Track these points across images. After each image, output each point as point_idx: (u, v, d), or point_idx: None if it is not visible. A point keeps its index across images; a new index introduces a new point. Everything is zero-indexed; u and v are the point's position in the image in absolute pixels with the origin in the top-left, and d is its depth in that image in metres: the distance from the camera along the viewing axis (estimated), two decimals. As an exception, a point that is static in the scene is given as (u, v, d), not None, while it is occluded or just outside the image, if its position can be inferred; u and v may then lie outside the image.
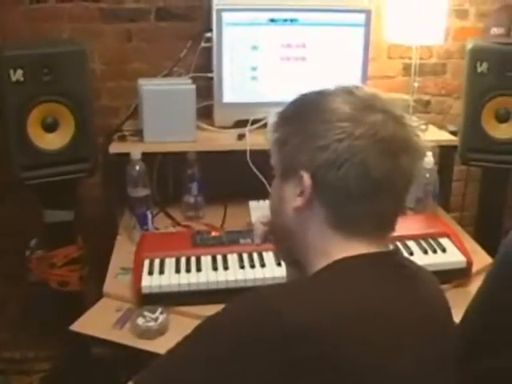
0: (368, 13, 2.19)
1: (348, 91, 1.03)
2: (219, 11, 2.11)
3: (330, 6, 2.19)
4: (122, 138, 2.19)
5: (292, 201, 1.03)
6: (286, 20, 2.16)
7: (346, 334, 0.86)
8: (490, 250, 2.13)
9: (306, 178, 0.99)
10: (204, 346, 0.89)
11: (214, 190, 2.28)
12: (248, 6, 2.14)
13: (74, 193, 2.30)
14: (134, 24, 2.41)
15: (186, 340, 0.92)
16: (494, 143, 2.30)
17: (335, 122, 0.98)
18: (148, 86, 2.13)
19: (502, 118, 2.29)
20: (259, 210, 2.19)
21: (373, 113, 0.99)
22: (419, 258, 1.90)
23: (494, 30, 2.33)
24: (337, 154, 0.96)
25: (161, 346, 1.56)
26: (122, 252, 2.04)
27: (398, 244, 1.97)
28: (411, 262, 1.10)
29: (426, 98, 2.66)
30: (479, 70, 2.24)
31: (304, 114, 1.04)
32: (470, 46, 2.27)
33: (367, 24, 2.20)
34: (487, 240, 2.26)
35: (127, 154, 2.13)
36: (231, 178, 2.30)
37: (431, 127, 2.45)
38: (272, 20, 2.15)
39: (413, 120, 1.04)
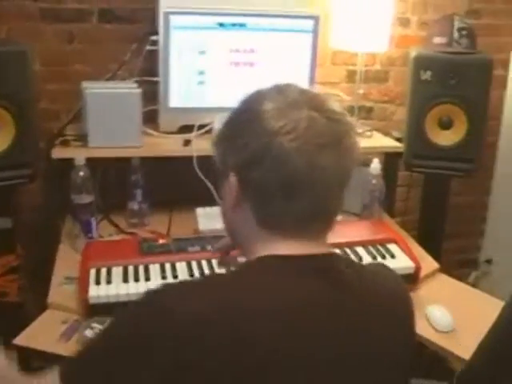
0: (316, 19, 2.19)
1: (278, 89, 1.02)
2: (167, 14, 2.06)
3: (279, 12, 2.18)
4: (65, 143, 2.12)
5: (228, 201, 1.06)
6: (234, 25, 2.14)
7: (232, 331, 0.88)
8: (434, 253, 2.18)
9: (233, 178, 1.02)
10: (106, 339, 0.97)
11: (159, 197, 2.24)
12: (196, 10, 2.10)
13: (12, 199, 2.21)
14: (76, 25, 2.34)
15: (98, 334, 1.02)
16: (437, 150, 2.35)
17: (256, 120, 0.98)
18: (92, 89, 2.06)
19: (444, 125, 2.34)
20: (206, 217, 2.16)
21: (297, 109, 0.97)
22: (369, 264, 1.92)
23: (437, 39, 2.37)
24: (255, 152, 0.98)
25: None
26: (66, 261, 1.97)
27: (347, 250, 1.98)
28: (351, 268, 1.05)
29: (369, 104, 2.69)
30: (423, 77, 2.29)
31: (234, 116, 1.06)
32: (414, 54, 2.31)
33: (315, 30, 2.20)
34: (430, 244, 2.31)
35: (69, 160, 2.06)
36: (176, 184, 2.26)
37: (376, 134, 2.48)
38: (221, 24, 2.13)
39: (347, 118, 1.02)
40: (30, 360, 2.21)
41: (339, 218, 2.21)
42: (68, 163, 2.07)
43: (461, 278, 2.15)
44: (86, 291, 1.73)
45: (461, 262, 3.06)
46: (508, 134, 2.87)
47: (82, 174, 2.00)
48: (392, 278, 1.15)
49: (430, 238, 2.50)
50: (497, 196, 3.00)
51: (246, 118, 1.01)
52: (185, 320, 0.88)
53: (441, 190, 2.57)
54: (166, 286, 0.98)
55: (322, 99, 1.01)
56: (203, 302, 0.91)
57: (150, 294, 0.96)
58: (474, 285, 2.92)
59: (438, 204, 2.58)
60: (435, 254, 2.22)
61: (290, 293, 0.95)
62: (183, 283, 1.03)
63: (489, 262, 3.01)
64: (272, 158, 0.96)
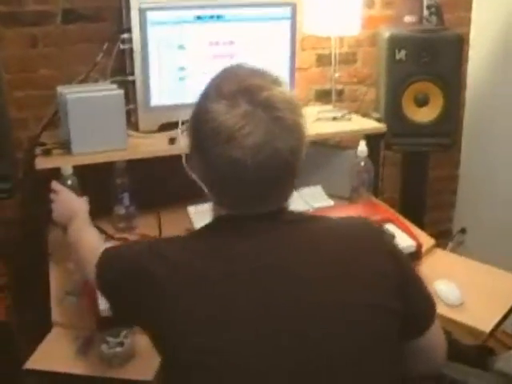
0: (294, 6, 2.17)
1: (216, 87, 1.10)
2: (143, 10, 1.99)
3: (256, 1, 2.16)
4: (47, 152, 2.02)
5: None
6: (212, 17, 2.08)
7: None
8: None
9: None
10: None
11: (146, 198, 2.18)
12: (173, 4, 2.04)
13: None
14: (39, 28, 2.23)
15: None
16: (415, 127, 2.38)
17: (200, 131, 1.08)
18: (71, 94, 1.97)
19: (421, 103, 2.38)
20: (200, 215, 2.11)
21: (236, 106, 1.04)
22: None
23: (407, 18, 2.39)
24: (207, 157, 1.09)
25: (132, 371, 1.53)
26: (60, 275, 1.89)
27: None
28: (294, 221, 1.15)
29: (340, 87, 2.69)
30: (397, 57, 2.31)
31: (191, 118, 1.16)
32: (387, 34, 2.33)
33: (293, 17, 2.18)
34: (413, 221, 2.33)
35: (51, 169, 1.98)
36: (163, 184, 2.21)
37: (354, 117, 2.48)
38: (198, 17, 2.07)
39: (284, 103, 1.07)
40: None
41: (331, 203, 2.23)
42: (49, 173, 1.98)
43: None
44: (97, 305, 1.66)
45: (437, 233, 3.11)
46: (471, 107, 2.93)
47: (69, 182, 1.92)
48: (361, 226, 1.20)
49: (411, 215, 2.53)
50: (466, 167, 3.07)
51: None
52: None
53: (420, 166, 2.61)
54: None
55: (258, 87, 1.06)
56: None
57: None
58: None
59: (418, 180, 2.62)
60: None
61: (223, 250, 1.11)
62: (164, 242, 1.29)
63: (463, 231, 3.08)
64: (201, 156, 1.09)
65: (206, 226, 1.21)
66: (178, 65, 2.13)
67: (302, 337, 1.02)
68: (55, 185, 1.78)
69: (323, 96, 2.60)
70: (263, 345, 1.01)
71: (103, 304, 1.66)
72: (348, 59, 2.68)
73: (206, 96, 1.10)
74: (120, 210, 2.15)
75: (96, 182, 2.23)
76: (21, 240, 2.26)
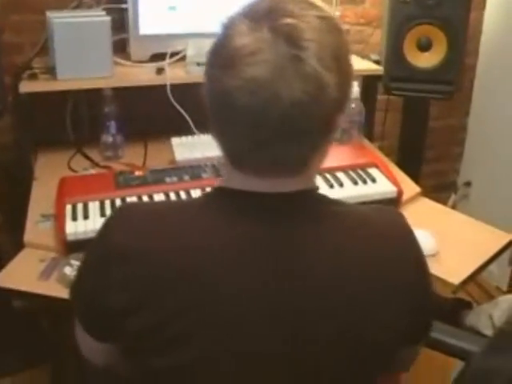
0: None
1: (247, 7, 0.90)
2: None
3: None
4: (33, 77, 2.02)
5: None
6: None
7: (161, 263, 0.90)
8: (412, 178, 2.17)
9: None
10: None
11: (134, 128, 2.17)
12: None
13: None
14: (36, -50, 2.21)
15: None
16: (416, 72, 2.30)
17: (212, 47, 0.92)
18: (58, 18, 1.95)
19: (423, 47, 2.29)
20: (182, 147, 2.11)
21: (258, 31, 0.85)
22: (350, 190, 1.91)
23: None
24: (205, 81, 0.91)
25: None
26: (40, 198, 1.91)
27: (327, 175, 1.95)
28: (320, 209, 0.97)
29: (346, 27, 2.61)
30: (401, -2, 2.22)
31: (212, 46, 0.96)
32: (391, -27, 2.24)
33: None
34: (409, 168, 2.29)
35: (39, 94, 1.99)
36: (151, 114, 2.20)
37: (354, 57, 2.41)
38: None
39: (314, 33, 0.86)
40: (11, 300, 2.21)
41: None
42: (37, 97, 2.00)
43: (440, 202, 2.14)
44: (63, 228, 1.69)
45: (440, 185, 3.06)
46: (486, 55, 2.83)
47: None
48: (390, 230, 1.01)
49: (409, 163, 2.48)
50: (475, 118, 2.98)
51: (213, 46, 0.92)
52: (119, 256, 0.92)
53: (420, 113, 2.53)
54: (118, 215, 1.01)
55: (290, 13, 0.86)
56: (135, 237, 0.93)
57: (105, 222, 1.00)
58: (452, 208, 2.93)
59: (417, 128, 2.55)
60: (414, 179, 2.20)
61: (221, 231, 0.92)
62: (132, 211, 1.01)
63: (468, 184, 3.01)
64: (213, 88, 0.90)
65: (199, 202, 1.03)
66: (169, -7, 2.09)
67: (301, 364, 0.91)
68: None
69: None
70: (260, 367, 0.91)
71: (70, 228, 1.70)
72: (355, -1, 2.60)
73: (237, 12, 0.90)
74: (107, 139, 2.16)
75: (86, 109, 2.27)
76: (11, 164, 2.28)
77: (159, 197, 1.82)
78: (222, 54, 0.87)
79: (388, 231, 1.00)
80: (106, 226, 0.98)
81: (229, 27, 0.88)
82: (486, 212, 1.98)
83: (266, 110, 0.84)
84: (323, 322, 0.91)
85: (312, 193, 0.99)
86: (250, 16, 0.87)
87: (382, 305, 0.95)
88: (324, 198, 1.02)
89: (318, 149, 0.93)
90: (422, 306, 1.01)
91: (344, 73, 0.89)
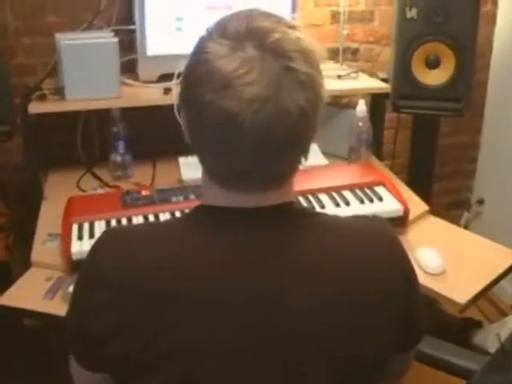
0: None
1: (221, 26, 0.90)
2: (140, -43, 1.98)
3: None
4: (42, 98, 2.05)
5: None
6: (210, -35, 2.05)
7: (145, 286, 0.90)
8: (423, 196, 2.15)
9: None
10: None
11: (142, 148, 2.20)
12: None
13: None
14: (48, -26, 2.25)
15: None
16: (425, 90, 2.29)
17: (192, 75, 0.89)
18: (66, 40, 1.99)
19: (431, 65, 2.28)
20: (189, 166, 2.12)
21: (240, 50, 0.85)
22: (356, 208, 1.90)
23: (422, -25, 2.29)
24: (193, 110, 0.90)
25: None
26: (49, 217, 1.93)
27: (334, 194, 1.95)
28: (300, 221, 0.96)
29: (355, 45, 2.62)
30: (408, 15, 2.21)
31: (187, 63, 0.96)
32: (399, -10, 2.24)
33: (295, -31, 2.12)
34: (420, 187, 2.28)
35: (48, 115, 2.02)
36: (159, 134, 2.21)
37: (361, 75, 2.42)
38: (195, -34, 2.04)
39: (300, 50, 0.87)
40: (22, 318, 2.23)
41: (325, 162, 2.20)
42: (46, 118, 2.03)
43: (452, 220, 2.12)
44: (69, 247, 1.70)
45: (452, 203, 3.04)
46: (497, 71, 2.81)
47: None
48: (375, 241, 1.00)
49: (419, 180, 2.47)
50: (488, 135, 2.96)
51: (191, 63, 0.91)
52: (103, 279, 0.92)
53: (430, 130, 2.52)
54: (103, 239, 0.99)
55: (270, 29, 0.86)
56: (120, 260, 0.93)
57: (91, 247, 0.99)
58: (465, 226, 2.91)
59: (427, 145, 2.54)
60: (425, 197, 2.19)
61: (204, 249, 0.92)
62: (116, 234, 1.01)
63: (481, 202, 2.99)
64: (191, 107, 0.89)
65: (182, 221, 1.04)
66: (175, 15, 2.11)
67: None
68: None
69: (336, 54, 2.53)
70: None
71: (75, 247, 1.71)
72: (364, 17, 2.60)
73: (207, 35, 0.90)
74: (116, 158, 2.18)
75: (95, 129, 2.29)
76: (22, 183, 2.31)
77: (165, 216, 1.83)
78: (212, 79, 0.85)
79: (374, 242, 0.99)
80: (91, 249, 0.98)
81: (207, 51, 0.86)
82: (499, 230, 1.96)
83: (273, 125, 0.84)
84: (311, 337, 0.90)
85: (293, 205, 0.98)
86: (229, 37, 0.86)
87: (371, 317, 0.94)
88: (306, 210, 1.03)
89: (302, 158, 0.94)
90: (411, 315, 1.00)
91: (322, 74, 0.92)
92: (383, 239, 1.01)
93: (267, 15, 0.90)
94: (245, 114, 0.83)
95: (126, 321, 0.89)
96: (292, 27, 0.89)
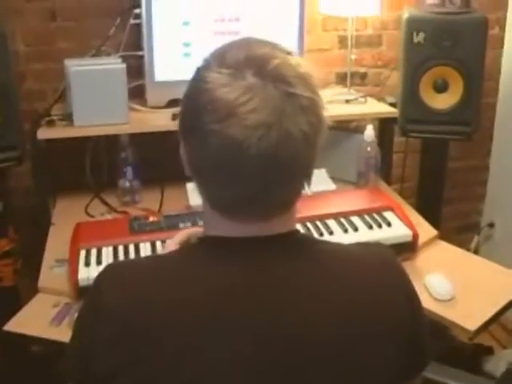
0: (302, -17, 2.12)
1: (220, 55, 0.90)
2: (148, -16, 2.00)
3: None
4: (51, 123, 2.07)
5: None
6: (217, -8, 2.07)
7: (155, 321, 0.88)
8: (433, 220, 2.14)
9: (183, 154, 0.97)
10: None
11: (150, 173, 2.20)
12: (177, -21, 2.04)
13: (3, 183, 2.18)
14: (57, 2, 2.27)
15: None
16: (433, 114, 2.29)
17: (193, 106, 0.89)
18: (75, 66, 2.00)
19: (439, 89, 2.29)
20: (196, 192, 2.11)
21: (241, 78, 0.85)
22: (365, 234, 1.89)
23: (430, 0, 2.29)
24: (195, 140, 0.89)
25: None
26: (57, 242, 1.94)
27: (342, 220, 1.94)
28: (304, 251, 0.95)
29: (363, 70, 2.63)
30: (416, 40, 2.23)
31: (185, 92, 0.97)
32: (406, 15, 2.25)
33: (302, -5, 2.14)
34: (429, 211, 2.27)
35: (57, 140, 2.04)
36: (167, 159, 2.21)
37: (370, 99, 2.42)
38: (203, -7, 2.06)
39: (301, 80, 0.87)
40: (29, 345, 2.22)
41: (333, 187, 2.19)
42: (55, 144, 2.06)
43: (462, 244, 2.11)
44: (76, 273, 1.70)
45: (462, 227, 3.01)
46: (506, 94, 2.80)
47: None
48: (377, 271, 0.99)
49: (429, 205, 2.46)
50: (497, 158, 2.95)
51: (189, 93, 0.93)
52: (108, 314, 0.89)
53: (439, 154, 2.51)
54: (106, 273, 0.97)
55: (269, 56, 0.87)
56: (124, 294, 0.91)
57: (94, 282, 0.96)
58: (475, 250, 2.88)
59: (436, 169, 2.53)
60: (435, 221, 2.18)
61: (208, 282, 0.90)
62: (119, 269, 0.99)
63: (491, 225, 2.96)
64: (194, 137, 0.89)
65: (184, 254, 1.01)
66: (183, 40, 2.12)
67: None
68: None
69: (344, 79, 2.53)
70: None
71: (82, 273, 1.71)
72: (372, 42, 2.61)
73: (205, 65, 0.91)
74: (124, 184, 2.18)
75: (104, 155, 2.30)
76: (30, 208, 2.32)
77: (172, 242, 1.83)
78: (215, 109, 0.85)
79: (378, 269, 0.99)
80: (93, 286, 0.96)
81: (207, 81, 0.87)
82: (510, 253, 1.94)
83: (279, 151, 0.84)
84: (325, 365, 0.89)
85: (297, 234, 0.98)
86: (229, 65, 0.86)
87: (382, 345, 0.93)
88: (309, 237, 1.03)
89: (305, 184, 0.94)
90: (415, 340, 0.99)
91: (322, 98, 0.92)
92: (386, 265, 1.01)
93: (264, 43, 0.91)
94: (250, 141, 0.83)
95: (132, 356, 0.87)
96: (289, 53, 0.91)
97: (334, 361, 0.89)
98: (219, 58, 0.89)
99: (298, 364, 0.88)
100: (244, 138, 0.83)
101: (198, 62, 2.23)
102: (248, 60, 0.86)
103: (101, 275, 0.96)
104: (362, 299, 0.94)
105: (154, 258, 1.13)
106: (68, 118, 2.08)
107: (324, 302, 0.91)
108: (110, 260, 1.76)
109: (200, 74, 0.90)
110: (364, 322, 0.92)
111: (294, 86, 0.86)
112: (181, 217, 1.94)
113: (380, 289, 0.97)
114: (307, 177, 0.93)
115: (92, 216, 2.10)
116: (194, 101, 0.88)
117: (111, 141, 2.17)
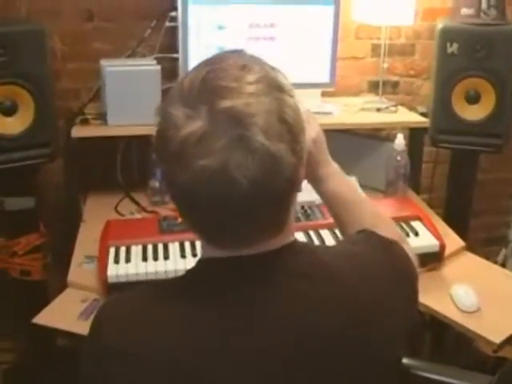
0: (337, -9, 2.14)
1: (180, 88, 0.86)
2: (185, -12, 2.03)
3: (299, -15, 2.13)
4: (85, 122, 2.11)
5: None
6: (254, -2, 2.09)
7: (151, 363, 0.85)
8: (460, 231, 2.13)
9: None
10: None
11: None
12: (214, -16, 2.06)
13: (35, 179, 2.22)
14: (95, 3, 2.31)
15: None
16: (464, 125, 2.29)
17: (155, 141, 0.87)
18: (111, 66, 2.04)
19: (471, 100, 2.27)
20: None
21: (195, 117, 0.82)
22: (392, 243, 1.88)
23: (464, 11, 2.29)
24: (162, 172, 0.89)
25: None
26: (87, 239, 1.97)
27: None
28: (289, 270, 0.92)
29: (395, 78, 2.63)
30: (449, 50, 2.22)
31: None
32: (440, 26, 2.25)
33: (336, 2, 2.14)
34: (457, 222, 2.26)
35: (89, 138, 2.08)
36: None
37: (401, 109, 2.42)
38: (239, -2, 2.09)
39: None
40: (55, 338, 2.25)
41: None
42: (87, 142, 2.09)
43: (489, 256, 2.10)
44: (105, 270, 1.73)
45: (490, 239, 3.00)
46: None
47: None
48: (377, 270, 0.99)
49: (456, 216, 2.44)
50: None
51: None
52: (114, 355, 0.87)
53: (468, 166, 2.50)
54: (105, 313, 0.95)
55: (228, 90, 0.82)
56: (120, 332, 0.89)
57: (92, 323, 0.94)
58: (503, 263, 2.86)
59: (465, 180, 2.51)
60: (462, 232, 2.17)
61: (204, 315, 0.87)
62: (113, 309, 0.95)
63: (518, 238, 2.95)
64: (173, 186, 0.87)
65: (183, 283, 0.95)
66: (217, 44, 2.15)
67: None
68: None
69: (376, 87, 2.53)
70: None
71: (111, 270, 1.73)
72: (405, 51, 2.61)
73: (170, 95, 0.87)
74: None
75: (136, 154, 2.33)
76: (61, 204, 2.36)
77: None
78: (168, 148, 0.83)
79: (376, 269, 0.99)
80: (92, 328, 0.93)
81: (165, 117, 0.85)
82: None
83: (227, 194, 0.81)
84: (338, 374, 0.89)
85: (292, 246, 0.95)
86: (185, 101, 0.83)
87: (393, 346, 0.96)
88: (306, 246, 1.03)
89: (290, 207, 0.92)
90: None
91: (296, 130, 0.86)
92: (386, 256, 1.02)
93: (240, 67, 0.85)
94: (196, 186, 0.81)
95: None
96: (257, 80, 0.84)
97: (352, 368, 0.89)
98: (179, 90, 0.85)
99: (315, 372, 0.88)
100: (189, 182, 0.82)
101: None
102: (205, 94, 0.82)
103: (96, 317, 0.94)
104: (373, 301, 0.94)
105: (155, 286, 1.02)
106: (102, 117, 2.11)
107: (323, 317, 0.89)
108: (139, 258, 1.78)
109: (164, 106, 0.86)
110: (377, 325, 0.93)
111: (250, 126, 0.80)
112: (209, 218, 1.95)
113: (381, 286, 0.97)
114: (281, 205, 0.88)
115: (122, 214, 2.13)
116: (157, 133, 0.87)
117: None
